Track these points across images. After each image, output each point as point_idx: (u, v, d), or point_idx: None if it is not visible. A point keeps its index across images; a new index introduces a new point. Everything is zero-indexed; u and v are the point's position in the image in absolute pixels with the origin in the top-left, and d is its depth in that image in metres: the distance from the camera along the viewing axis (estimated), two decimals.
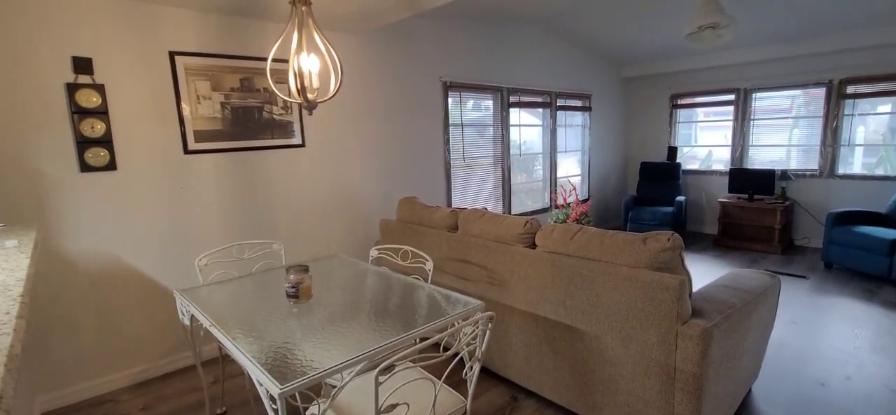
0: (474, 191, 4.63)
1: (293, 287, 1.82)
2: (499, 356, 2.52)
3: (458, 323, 1.46)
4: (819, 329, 3.18)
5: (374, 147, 3.73)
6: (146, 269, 2.72)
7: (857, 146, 5.10)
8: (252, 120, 3.04)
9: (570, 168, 6.05)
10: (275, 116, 3.14)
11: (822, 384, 2.51)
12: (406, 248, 2.32)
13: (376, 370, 1.20)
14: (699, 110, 6.26)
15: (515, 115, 4.97)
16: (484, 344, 1.49)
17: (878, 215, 4.41)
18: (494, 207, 4.89)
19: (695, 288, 2.05)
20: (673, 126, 6.39)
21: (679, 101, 6.30)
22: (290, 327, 1.65)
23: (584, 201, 5.42)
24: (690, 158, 6.42)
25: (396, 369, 1.25)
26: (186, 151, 2.79)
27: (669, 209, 5.47)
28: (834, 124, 5.07)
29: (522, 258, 2.29)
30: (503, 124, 4.74)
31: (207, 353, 2.92)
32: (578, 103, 5.80)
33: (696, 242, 5.75)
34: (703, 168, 6.25)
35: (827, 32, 4.68)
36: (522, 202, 5.39)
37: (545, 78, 5.23)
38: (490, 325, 1.47)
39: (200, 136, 2.83)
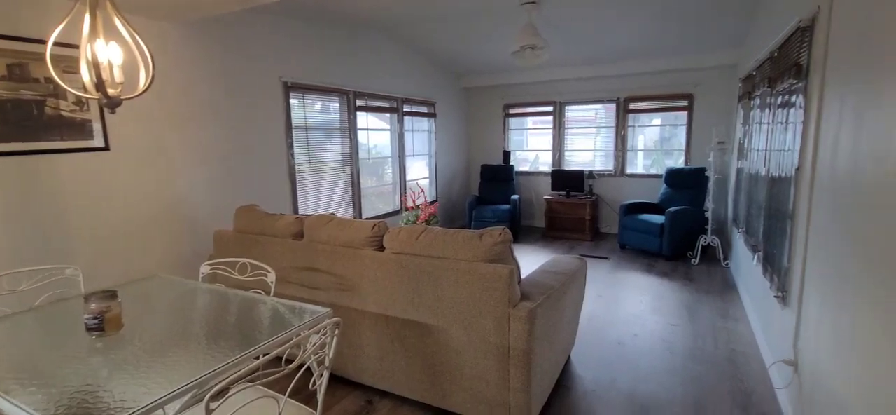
0: (323, 196, 4.48)
1: (95, 318, 1.52)
2: (352, 362, 2.49)
3: (304, 333, 1.40)
4: (617, 300, 3.91)
5: (206, 151, 3.33)
6: None
7: (638, 151, 6.42)
8: (29, 117, 2.44)
9: (420, 171, 6.30)
10: (64, 113, 2.58)
11: (619, 343, 3.10)
12: (244, 261, 2.14)
13: (206, 397, 1.08)
14: (528, 119, 7.13)
15: (363, 119, 4.97)
16: (332, 351, 1.46)
17: (653, 205, 5.62)
18: (344, 211, 4.81)
19: (525, 274, 2.33)
20: (506, 132, 7.14)
21: (511, 111, 7.07)
22: (92, 365, 1.38)
23: (433, 203, 5.71)
24: (523, 160, 7.26)
25: (232, 391, 1.15)
26: None
27: (506, 207, 6.11)
28: (622, 133, 6.29)
29: (371, 261, 2.31)
30: (351, 128, 4.70)
31: None
32: (424, 109, 6.08)
33: (529, 234, 6.53)
34: (532, 170, 7.14)
35: (615, 59, 5.79)
36: (374, 205, 5.41)
37: (392, 84, 5.35)
38: (337, 331, 1.45)
39: None
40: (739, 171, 4.47)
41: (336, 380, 2.57)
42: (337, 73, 4.49)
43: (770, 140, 2.87)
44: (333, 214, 2.84)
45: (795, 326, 2.15)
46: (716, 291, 4.06)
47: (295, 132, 4.01)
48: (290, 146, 3.98)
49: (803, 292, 2.09)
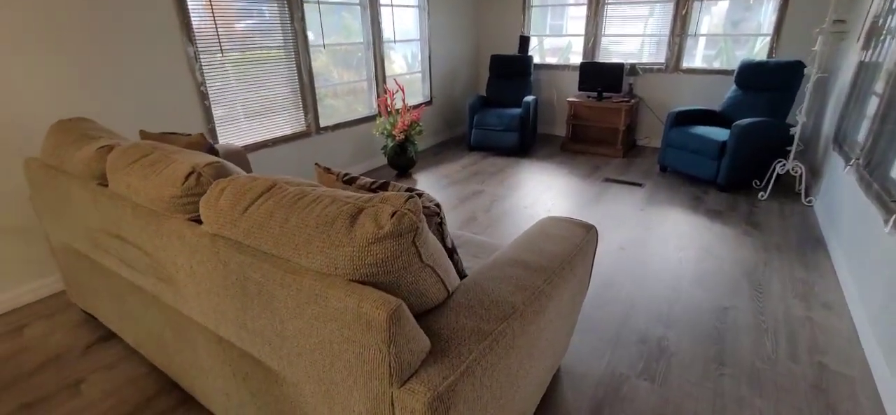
0: (254, 101, 3.34)
1: None
2: (199, 381, 1.57)
3: None
4: (646, 255, 2.77)
5: (36, 32, 2.22)
6: None
7: (700, 36, 4.77)
8: None
9: (413, 64, 4.98)
10: None
11: (642, 342, 2.04)
12: None
13: None
14: None
15: None
16: None
17: (713, 114, 4.17)
18: (294, 120, 3.69)
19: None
20: (527, 11, 5.53)
21: None
22: None
23: (419, 106, 4.47)
24: (554, 50, 5.71)
25: None
26: None
27: (517, 111, 4.79)
28: (684, 11, 4.63)
29: (182, 242, 1.26)
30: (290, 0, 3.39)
31: None
32: None
33: (544, 145, 5.26)
34: (561, 62, 5.61)
35: None
36: (350, 107, 4.26)
37: None
38: None
39: None
40: (863, 66, 2.96)
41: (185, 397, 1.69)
42: None
43: None
44: (172, 134, 1.76)
45: None
46: (793, 247, 2.83)
47: (190, 2, 2.77)
48: (187, 27, 2.77)
49: None
